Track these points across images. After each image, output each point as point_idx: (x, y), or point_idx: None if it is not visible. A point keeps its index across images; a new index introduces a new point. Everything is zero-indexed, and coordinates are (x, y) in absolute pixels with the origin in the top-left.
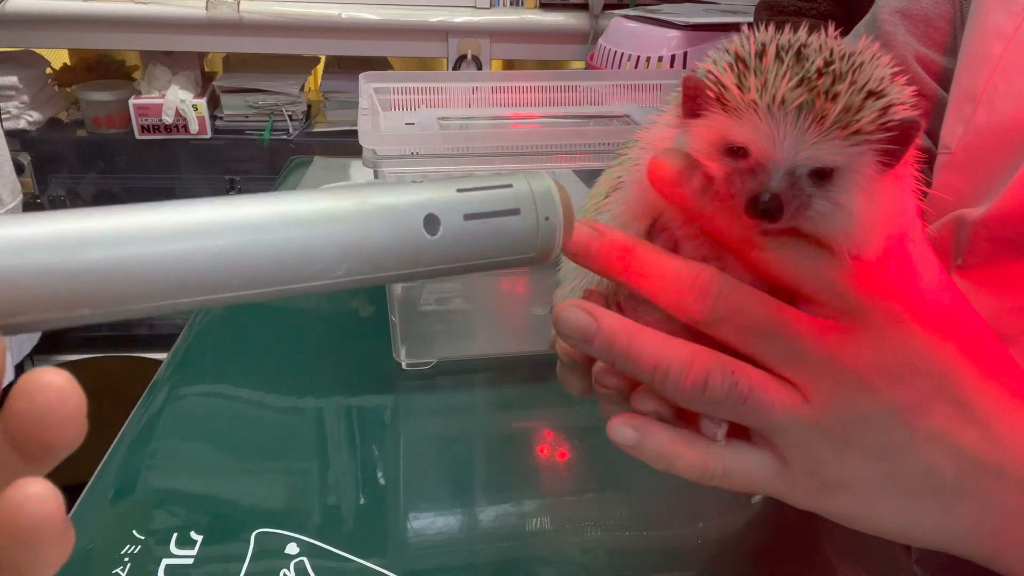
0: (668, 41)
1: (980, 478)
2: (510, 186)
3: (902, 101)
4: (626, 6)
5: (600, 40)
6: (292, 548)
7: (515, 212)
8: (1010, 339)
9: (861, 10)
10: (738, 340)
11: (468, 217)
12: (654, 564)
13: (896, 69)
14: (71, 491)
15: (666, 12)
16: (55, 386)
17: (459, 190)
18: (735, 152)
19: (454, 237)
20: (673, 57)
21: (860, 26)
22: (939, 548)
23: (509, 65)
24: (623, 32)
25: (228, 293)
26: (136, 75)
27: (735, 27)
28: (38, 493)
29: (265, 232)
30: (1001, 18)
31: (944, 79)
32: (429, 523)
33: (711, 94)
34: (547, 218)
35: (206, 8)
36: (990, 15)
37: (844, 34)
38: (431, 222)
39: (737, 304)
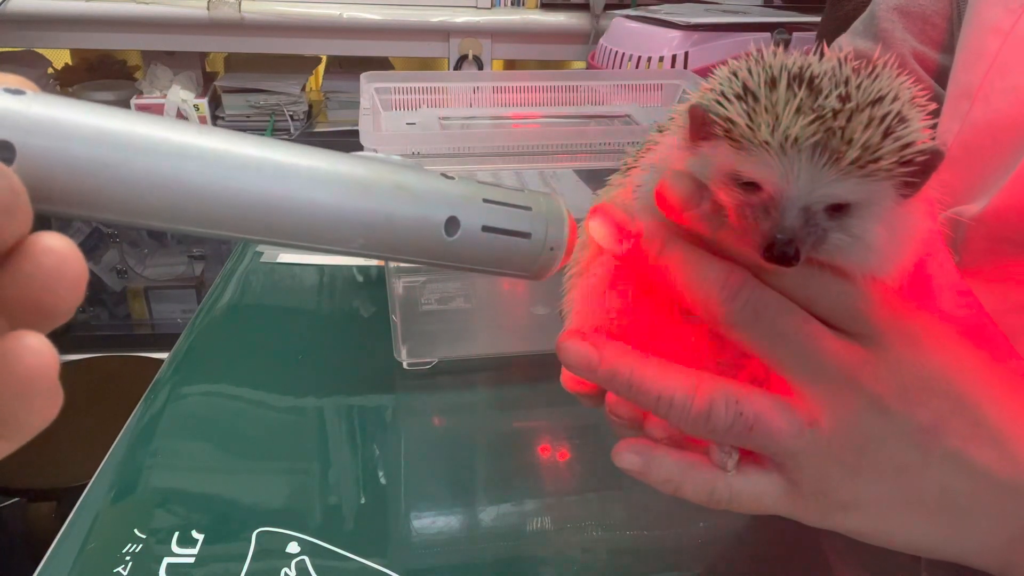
0: (669, 41)
1: (995, 495)
2: (529, 209)
3: (924, 130)
4: (627, 6)
5: (601, 40)
6: (293, 547)
7: (527, 235)
8: (1009, 338)
9: None
10: (760, 346)
11: (486, 229)
12: (654, 564)
13: (919, 90)
14: (71, 491)
15: (667, 12)
16: (60, 250)
17: (485, 200)
18: (746, 184)
19: (467, 243)
20: (674, 57)
21: (858, 23)
22: (951, 560)
23: (510, 65)
24: (624, 32)
25: (249, 235)
26: (138, 75)
27: (736, 27)
28: (35, 344)
29: (297, 187)
30: (998, 14)
31: (941, 76)
32: (430, 522)
33: (719, 130)
34: (552, 248)
35: (208, 8)
36: (987, 11)
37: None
38: (452, 224)
39: (765, 310)
